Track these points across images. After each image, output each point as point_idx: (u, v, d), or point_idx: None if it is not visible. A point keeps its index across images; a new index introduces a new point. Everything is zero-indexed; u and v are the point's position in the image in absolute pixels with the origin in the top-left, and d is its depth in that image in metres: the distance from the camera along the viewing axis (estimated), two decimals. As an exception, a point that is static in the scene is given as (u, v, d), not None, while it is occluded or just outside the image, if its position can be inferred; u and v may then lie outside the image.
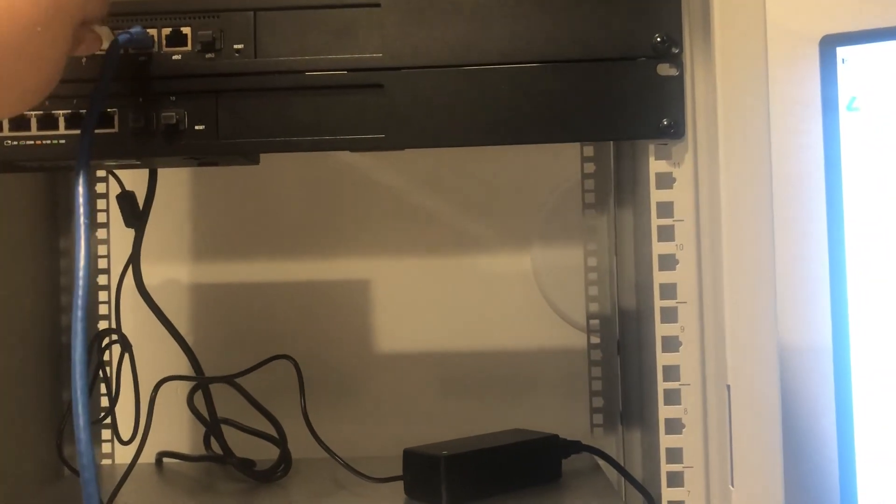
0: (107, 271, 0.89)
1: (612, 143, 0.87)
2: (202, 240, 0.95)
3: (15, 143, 0.56)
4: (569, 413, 0.91)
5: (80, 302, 0.44)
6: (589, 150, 0.90)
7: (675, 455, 0.55)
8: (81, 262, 0.42)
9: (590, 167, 0.90)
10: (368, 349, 0.94)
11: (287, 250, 0.95)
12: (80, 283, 0.45)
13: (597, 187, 0.90)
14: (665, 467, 0.55)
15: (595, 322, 0.91)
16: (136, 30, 0.54)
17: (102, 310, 0.88)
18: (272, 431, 0.77)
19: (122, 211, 0.71)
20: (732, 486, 0.50)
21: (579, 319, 0.92)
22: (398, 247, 0.95)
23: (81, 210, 0.44)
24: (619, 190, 0.87)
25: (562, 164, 0.93)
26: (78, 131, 0.55)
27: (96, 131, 0.52)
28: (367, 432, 0.89)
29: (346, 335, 0.94)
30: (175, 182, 0.94)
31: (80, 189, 0.44)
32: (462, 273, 0.94)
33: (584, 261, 0.92)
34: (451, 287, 0.94)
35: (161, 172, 0.70)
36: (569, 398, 0.92)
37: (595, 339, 0.91)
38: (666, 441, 0.55)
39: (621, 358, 0.88)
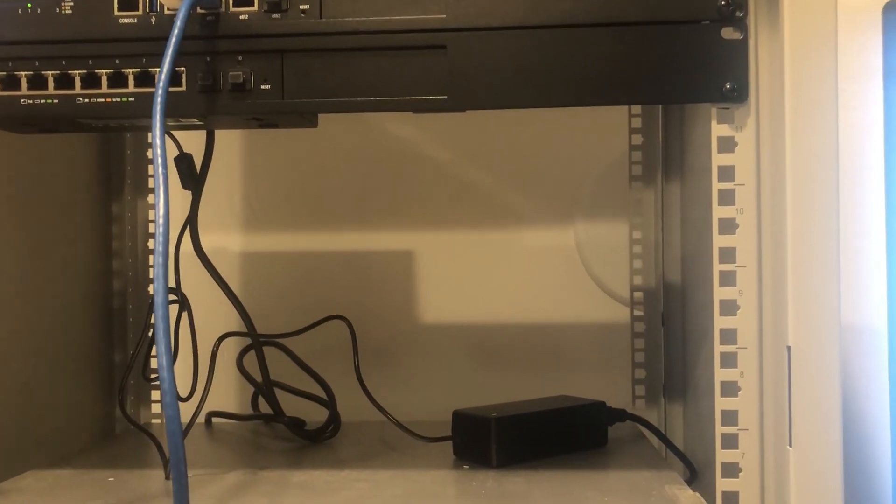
0: (159, 236, 0.91)
1: (660, 112, 0.86)
2: (250, 208, 0.96)
3: (86, 100, 0.57)
4: (611, 385, 0.91)
5: (160, 259, 0.45)
6: (637, 122, 0.90)
7: (730, 417, 0.55)
8: (161, 211, 0.43)
9: (637, 139, 0.90)
10: (413, 319, 0.95)
11: (333, 221, 0.96)
12: (161, 238, 0.46)
13: (644, 159, 0.90)
14: (720, 429, 0.55)
15: (638, 295, 0.91)
16: (205, -11, 0.55)
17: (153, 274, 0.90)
18: (321, 395, 0.79)
19: (179, 173, 0.72)
20: (791, 446, 0.51)
21: (622, 293, 0.93)
22: (443, 219, 0.95)
23: (160, 160, 0.46)
24: (667, 161, 0.87)
25: (608, 136, 0.93)
26: (148, 89, 0.56)
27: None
28: (411, 399, 0.90)
29: (390, 305, 0.95)
30: (227, 149, 0.95)
31: (158, 141, 0.46)
32: (506, 246, 0.95)
33: (629, 234, 0.92)
34: (495, 260, 0.95)
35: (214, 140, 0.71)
36: (611, 370, 0.92)
37: (638, 312, 0.91)
38: (721, 403, 0.55)
39: (665, 330, 0.88)
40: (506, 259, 0.95)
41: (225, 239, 0.96)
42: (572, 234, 0.95)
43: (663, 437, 0.79)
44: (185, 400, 0.74)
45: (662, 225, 0.88)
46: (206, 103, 0.57)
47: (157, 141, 0.46)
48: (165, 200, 0.45)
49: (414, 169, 0.95)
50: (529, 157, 0.95)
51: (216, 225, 0.95)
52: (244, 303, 0.75)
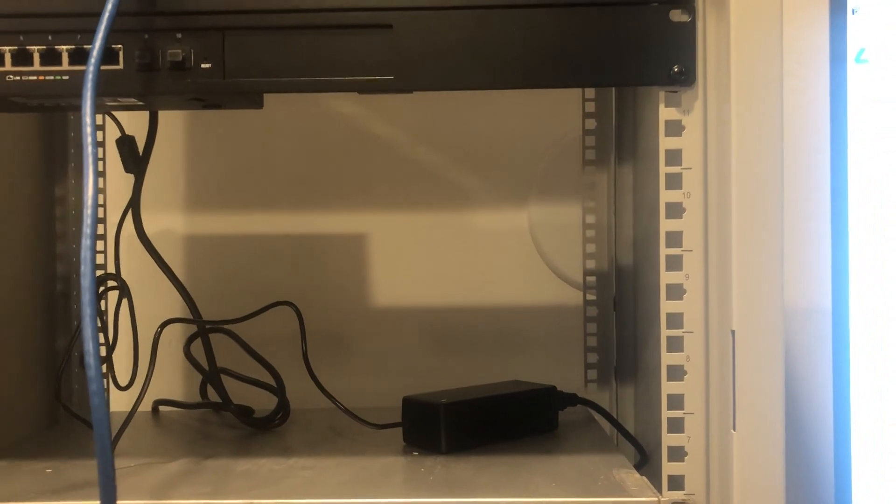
0: (103, 220, 0.88)
1: (613, 96, 0.86)
2: (197, 190, 0.94)
3: (17, 77, 0.55)
4: (563, 368, 0.91)
5: (87, 242, 0.43)
6: (590, 106, 0.90)
7: (676, 401, 0.56)
8: (89, 192, 0.42)
9: (591, 123, 0.90)
10: (364, 303, 0.94)
11: (283, 202, 0.94)
12: (88, 221, 0.44)
13: (598, 143, 0.90)
14: (666, 413, 0.56)
15: (591, 279, 0.91)
16: (141, -37, 0.53)
17: (99, 259, 0.88)
18: (270, 382, 0.77)
19: (121, 155, 0.70)
20: (734, 429, 0.51)
21: (575, 276, 0.93)
22: (395, 201, 0.94)
23: (89, 140, 0.44)
24: (619, 145, 0.87)
25: (561, 119, 0.92)
26: (83, 67, 0.54)
27: (101, 67, 0.52)
28: (362, 384, 0.89)
29: (341, 289, 0.94)
30: (170, 131, 0.93)
31: (88, 120, 0.44)
32: (458, 228, 0.94)
33: (582, 218, 0.92)
34: (448, 242, 0.94)
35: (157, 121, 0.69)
36: (563, 354, 0.92)
37: (591, 296, 0.91)
38: (668, 388, 0.56)
39: (617, 314, 0.88)
40: (459, 242, 0.94)
41: (171, 221, 0.94)
42: (526, 217, 0.95)
43: (614, 421, 0.79)
44: (125, 388, 0.73)
45: (615, 209, 0.88)
46: (145, 82, 0.55)
47: (87, 120, 0.44)
48: (94, 183, 0.43)
49: (365, 150, 0.94)
50: (483, 138, 0.94)
51: (162, 207, 0.93)
52: (191, 287, 0.74)
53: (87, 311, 0.40)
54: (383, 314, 0.94)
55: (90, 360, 0.41)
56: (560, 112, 0.92)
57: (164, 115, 0.71)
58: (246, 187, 0.94)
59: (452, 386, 0.75)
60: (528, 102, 0.93)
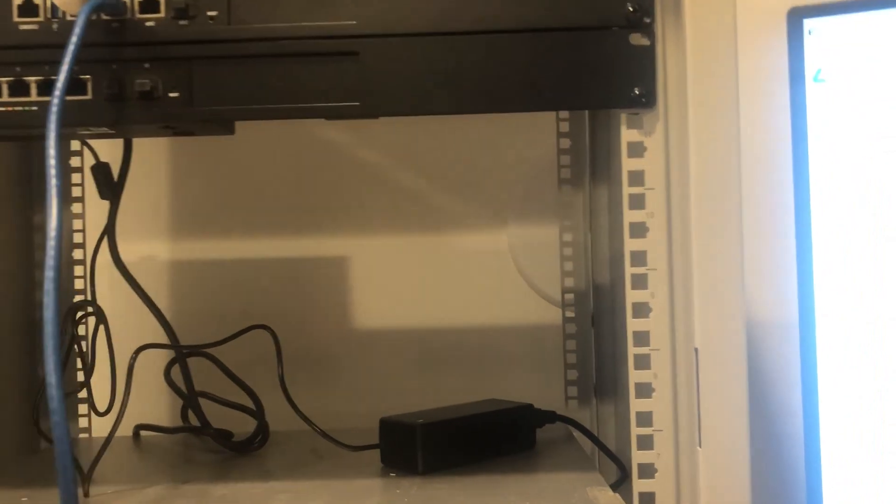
0: (82, 245, 0.89)
1: (587, 117, 0.87)
2: (180, 216, 0.95)
3: (-14, 109, 0.56)
4: (544, 386, 0.92)
5: (51, 273, 0.44)
6: (564, 126, 0.91)
7: (645, 419, 0.56)
8: (53, 223, 0.42)
9: (565, 142, 0.91)
10: (346, 325, 0.95)
11: (265, 227, 0.95)
12: (51, 252, 0.45)
13: (573, 163, 0.91)
14: (635, 431, 0.56)
15: (570, 297, 0.92)
16: (108, -5, 0.54)
17: (78, 284, 0.88)
18: (250, 405, 0.78)
19: (96, 182, 0.71)
20: (700, 446, 0.51)
21: (555, 294, 0.93)
22: (376, 224, 0.95)
23: (53, 172, 0.44)
24: (594, 164, 0.88)
25: (538, 139, 0.93)
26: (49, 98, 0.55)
27: (69, 98, 0.52)
28: (344, 406, 0.89)
29: (323, 312, 0.94)
30: (153, 157, 0.93)
31: (52, 152, 0.44)
32: (439, 250, 0.95)
33: (559, 236, 0.93)
34: (429, 264, 0.95)
35: (139, 148, 0.70)
36: (544, 372, 0.93)
37: (570, 314, 0.92)
38: (636, 405, 0.56)
39: (595, 331, 0.89)
40: (439, 263, 0.95)
41: (154, 247, 0.94)
42: (505, 238, 0.95)
43: (594, 438, 0.80)
44: (103, 414, 0.73)
45: (591, 227, 0.89)
46: (113, 112, 0.56)
47: (51, 152, 0.45)
48: (59, 216, 0.44)
49: (346, 173, 0.95)
50: (462, 160, 0.95)
51: (145, 232, 0.94)
52: (176, 312, 0.74)
53: (49, 342, 0.40)
54: (365, 336, 0.95)
55: (52, 391, 0.41)
56: (536, 132, 0.93)
57: (146, 141, 0.71)
58: (229, 212, 0.95)
59: (434, 406, 0.75)
60: (505, 123, 0.94)
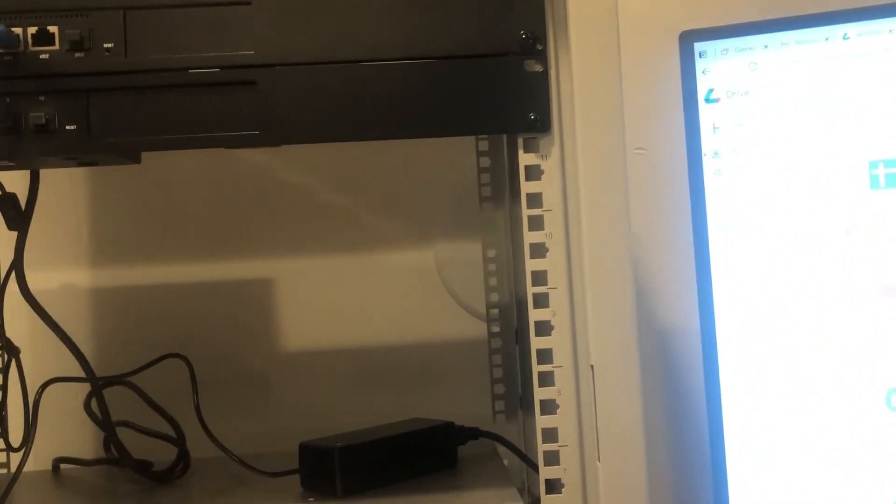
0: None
1: (504, 137, 0.88)
2: (100, 243, 0.93)
3: None
4: (472, 401, 0.92)
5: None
6: (484, 145, 0.92)
7: (550, 435, 0.57)
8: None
9: (485, 161, 0.92)
10: (272, 348, 0.94)
11: (188, 251, 0.94)
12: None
13: (492, 181, 0.92)
14: (542, 447, 0.57)
15: (495, 311, 0.93)
16: (-1, 28, 0.54)
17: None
18: (172, 433, 0.77)
19: (3, 213, 0.69)
20: (599, 461, 0.53)
21: (480, 310, 0.94)
22: (301, 244, 0.95)
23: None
24: (512, 182, 0.89)
25: (461, 158, 0.94)
26: (-58, 133, 0.54)
27: (-38, 132, 0.52)
28: (270, 430, 0.89)
29: (249, 334, 0.94)
30: (70, 184, 0.92)
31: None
32: (366, 269, 0.95)
33: (483, 253, 0.94)
34: (356, 283, 0.95)
35: (56, 176, 0.69)
36: (472, 387, 0.94)
37: (495, 328, 0.93)
38: (542, 422, 0.57)
39: (519, 345, 0.90)
40: (367, 282, 0.95)
41: (74, 275, 0.93)
42: (432, 255, 0.96)
43: (518, 452, 0.81)
44: (17, 450, 0.72)
45: (512, 242, 0.90)
46: (9, 145, 0.55)
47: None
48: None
49: (270, 195, 0.95)
50: (387, 179, 0.96)
51: (65, 261, 0.92)
52: (97, 341, 0.73)
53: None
54: (293, 357, 0.95)
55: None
56: (458, 152, 0.94)
57: (62, 170, 0.70)
58: (152, 237, 0.94)
59: (362, 425, 0.75)
60: (428, 144, 0.94)
